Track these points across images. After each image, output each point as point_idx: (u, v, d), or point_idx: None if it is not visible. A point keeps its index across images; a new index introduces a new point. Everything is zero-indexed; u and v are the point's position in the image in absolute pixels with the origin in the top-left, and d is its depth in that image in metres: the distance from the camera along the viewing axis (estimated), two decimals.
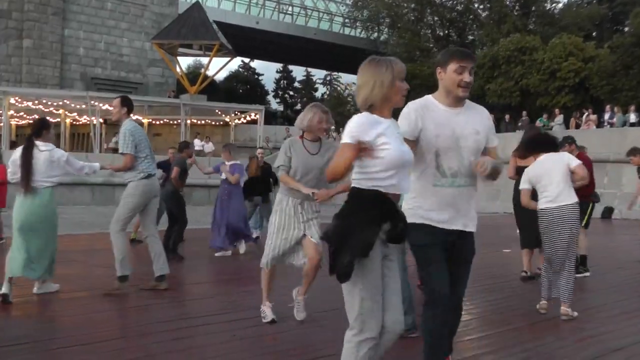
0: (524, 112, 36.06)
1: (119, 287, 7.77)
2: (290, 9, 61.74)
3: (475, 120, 4.16)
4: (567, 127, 31.81)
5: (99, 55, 46.45)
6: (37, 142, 7.54)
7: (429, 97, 4.17)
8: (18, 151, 7.65)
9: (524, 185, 7.21)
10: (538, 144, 7.29)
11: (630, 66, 38.22)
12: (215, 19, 46.64)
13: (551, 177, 6.92)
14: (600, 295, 8.75)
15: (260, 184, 13.43)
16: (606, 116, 32.35)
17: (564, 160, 7.05)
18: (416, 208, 4.10)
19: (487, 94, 43.63)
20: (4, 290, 7.26)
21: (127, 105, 8.06)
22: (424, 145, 4.06)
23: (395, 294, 3.68)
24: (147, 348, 5.58)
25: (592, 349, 5.85)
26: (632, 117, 30.52)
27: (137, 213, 8.03)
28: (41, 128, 7.68)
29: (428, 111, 4.08)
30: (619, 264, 10.77)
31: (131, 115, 8.12)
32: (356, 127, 3.53)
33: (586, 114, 32.91)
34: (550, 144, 7.23)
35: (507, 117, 36.88)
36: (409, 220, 3.82)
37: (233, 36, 47.29)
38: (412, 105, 4.14)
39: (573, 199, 6.92)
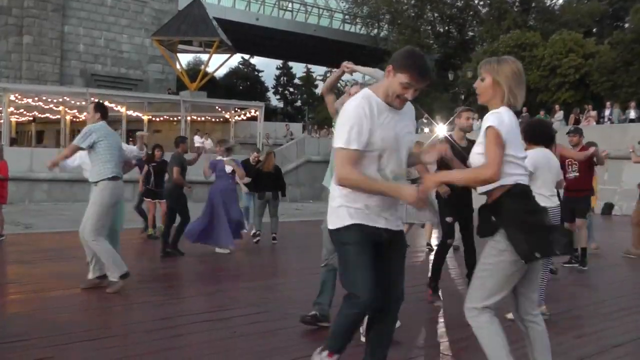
0: (524, 109, 36.01)
1: (122, 285, 7.77)
2: (290, 5, 61.72)
3: (408, 120, 4.05)
4: (567, 123, 31.80)
5: (99, 52, 46.51)
6: None
7: (371, 94, 3.91)
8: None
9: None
10: (537, 134, 6.95)
11: (631, 62, 38.24)
12: (215, 15, 46.66)
13: (547, 175, 6.74)
14: (599, 291, 8.73)
15: (273, 181, 13.32)
16: (606, 112, 32.39)
17: (555, 160, 6.95)
18: (352, 208, 3.91)
19: None
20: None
21: (101, 111, 8.15)
22: (368, 148, 3.85)
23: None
24: (148, 345, 5.57)
25: (591, 346, 5.86)
26: (632, 114, 30.56)
27: (105, 216, 7.90)
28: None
29: (375, 110, 3.86)
30: (618, 260, 10.79)
31: (105, 120, 8.17)
32: None
33: (586, 110, 32.95)
34: (548, 137, 7.00)
35: None
36: (343, 221, 3.88)
37: (233, 33, 47.25)
38: (359, 105, 3.86)
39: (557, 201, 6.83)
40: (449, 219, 7.62)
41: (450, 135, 7.73)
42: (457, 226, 7.71)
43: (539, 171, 6.58)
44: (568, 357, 5.48)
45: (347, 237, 3.88)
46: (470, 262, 7.58)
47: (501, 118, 3.76)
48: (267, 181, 13.17)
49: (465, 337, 6.15)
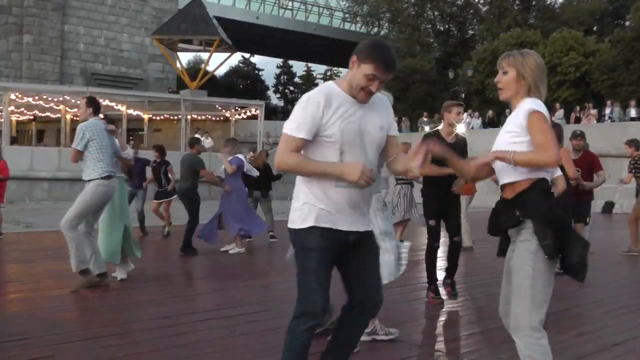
0: None
1: (82, 283, 7.82)
2: (290, 4, 61.79)
3: (379, 114, 3.78)
4: (568, 121, 31.83)
5: (99, 51, 46.61)
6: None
7: (333, 85, 3.69)
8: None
9: None
10: None
11: (631, 60, 38.31)
12: (215, 14, 46.71)
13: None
14: (599, 290, 8.73)
15: (261, 179, 13.28)
16: (607, 111, 32.42)
17: None
18: (317, 207, 3.66)
19: (487, 88, 43.73)
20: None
21: (93, 106, 8.16)
22: (326, 141, 3.62)
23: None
24: (149, 343, 5.59)
25: (591, 344, 5.87)
26: (633, 112, 30.61)
27: (90, 213, 7.94)
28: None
29: (333, 102, 3.61)
30: (618, 259, 10.76)
31: (99, 115, 8.23)
32: None
33: (587, 107, 33.00)
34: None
35: (507, 111, 36.84)
36: (306, 221, 3.64)
37: (233, 31, 47.31)
38: (315, 96, 3.64)
39: None
40: (432, 222, 7.52)
41: (436, 131, 7.71)
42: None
43: None
44: (568, 355, 5.46)
45: (309, 241, 3.65)
46: (452, 262, 7.61)
47: (541, 105, 3.64)
48: (254, 180, 13.02)
49: (466, 335, 6.27)
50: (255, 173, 12.53)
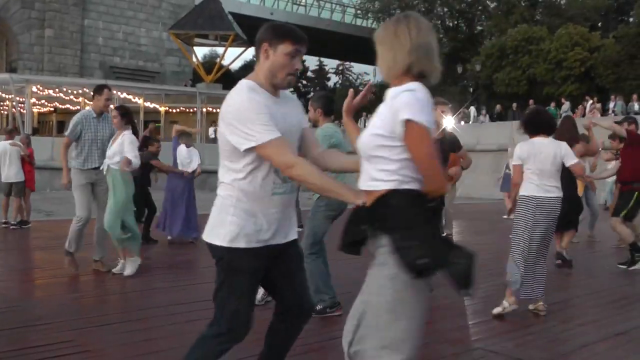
0: (531, 101, 36.81)
1: (67, 262, 8.09)
2: (303, 0, 62.43)
3: (295, 111, 3.48)
4: (573, 114, 32.47)
5: (118, 45, 47.37)
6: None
7: (255, 85, 3.30)
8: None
9: (516, 161, 6.61)
10: (533, 124, 6.66)
11: (635, 55, 38.89)
12: (231, 10, 47.27)
13: (543, 164, 6.38)
14: (601, 280, 8.63)
15: None
16: (611, 105, 33.09)
17: (561, 150, 6.49)
18: (249, 223, 3.28)
19: (495, 83, 44.53)
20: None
21: (95, 92, 8.29)
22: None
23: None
24: (165, 329, 5.67)
25: (594, 334, 5.84)
26: (636, 106, 31.27)
27: (83, 200, 8.04)
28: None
29: (267, 102, 3.28)
30: (622, 250, 10.11)
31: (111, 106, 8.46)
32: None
33: (590, 102, 33.57)
34: (546, 126, 6.62)
35: (514, 105, 37.59)
36: (235, 241, 3.26)
37: (248, 27, 47.57)
38: (252, 97, 3.25)
39: (560, 192, 6.46)
40: None
41: None
42: None
43: (527, 160, 6.44)
44: (571, 344, 5.52)
45: (239, 263, 3.30)
46: None
47: (420, 98, 2.84)
48: None
49: (472, 323, 6.48)
50: None
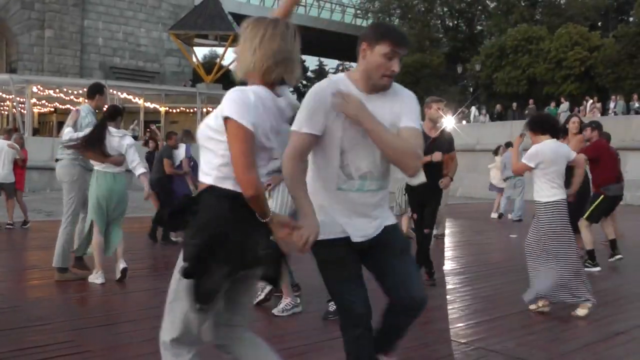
0: (531, 101, 36.84)
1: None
2: (303, 0, 62.43)
3: (390, 110, 3.35)
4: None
5: (118, 45, 47.28)
6: (110, 127, 7.56)
7: (342, 78, 3.41)
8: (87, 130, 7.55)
9: (529, 162, 6.61)
10: (538, 123, 6.73)
11: (635, 55, 38.85)
12: (231, 10, 47.43)
13: (560, 167, 6.54)
14: (604, 279, 8.66)
15: None
16: (611, 105, 33.08)
17: (566, 151, 6.69)
18: (319, 217, 3.18)
19: (495, 82, 44.55)
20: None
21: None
22: (327, 139, 3.30)
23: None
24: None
25: (595, 333, 5.92)
26: (637, 106, 31.28)
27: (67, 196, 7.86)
28: (115, 114, 7.71)
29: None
30: (622, 249, 10.13)
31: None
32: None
33: (590, 102, 33.59)
34: (551, 127, 6.69)
35: (514, 105, 37.62)
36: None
37: None
38: (321, 88, 3.37)
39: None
40: (415, 216, 7.75)
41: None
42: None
43: (539, 165, 6.52)
44: (573, 344, 5.55)
45: (320, 254, 3.35)
46: (422, 253, 7.65)
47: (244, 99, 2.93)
48: None
49: (473, 323, 6.66)
50: None
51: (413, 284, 3.41)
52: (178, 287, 3.02)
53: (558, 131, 6.80)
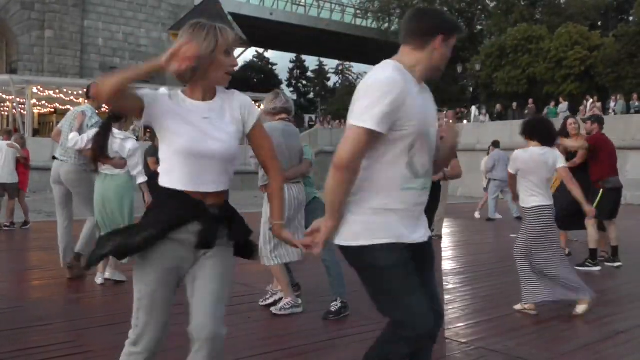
0: (530, 100, 36.86)
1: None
2: (303, 0, 62.51)
3: (432, 104, 3.21)
4: (575, 114, 32.46)
5: (118, 46, 47.27)
6: (114, 129, 7.41)
7: (397, 64, 3.04)
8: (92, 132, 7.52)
9: (509, 168, 6.71)
10: (528, 128, 6.67)
11: (635, 54, 38.96)
12: (230, 10, 47.51)
13: (540, 176, 6.45)
14: (605, 278, 8.66)
15: None
16: (611, 104, 33.09)
17: (551, 159, 6.53)
18: (380, 219, 3.02)
19: (495, 82, 44.62)
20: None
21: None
22: (396, 136, 2.97)
23: (207, 295, 3.11)
24: None
25: (597, 332, 5.91)
26: (637, 105, 31.24)
27: (55, 197, 7.93)
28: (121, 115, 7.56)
29: (405, 88, 2.94)
30: (623, 248, 10.01)
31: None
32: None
33: (591, 101, 33.60)
34: (541, 134, 6.59)
35: (514, 105, 37.63)
36: (371, 239, 2.99)
37: (248, 27, 48.01)
38: (390, 81, 2.92)
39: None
40: None
41: None
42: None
43: (518, 171, 6.55)
44: (573, 344, 5.54)
45: (381, 259, 3.01)
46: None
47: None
48: None
49: (473, 322, 6.71)
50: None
51: (439, 298, 3.30)
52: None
53: (550, 138, 6.65)
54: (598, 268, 9.15)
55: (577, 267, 9.15)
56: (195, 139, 2.97)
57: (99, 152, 7.20)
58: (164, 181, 3.03)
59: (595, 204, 9.32)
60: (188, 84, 3.10)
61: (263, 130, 3.24)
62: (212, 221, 3.01)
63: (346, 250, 3.06)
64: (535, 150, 6.48)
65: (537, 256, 6.43)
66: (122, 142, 7.39)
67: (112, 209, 7.37)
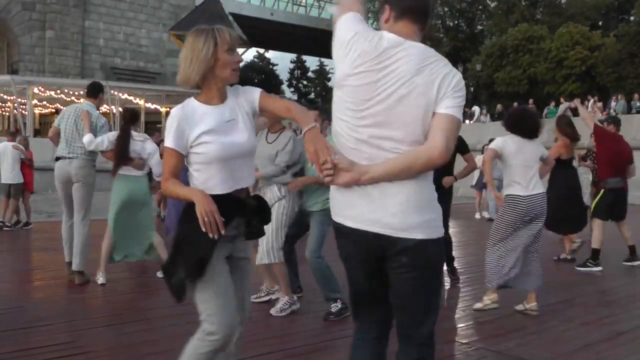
0: (531, 100, 36.83)
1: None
2: (303, 1, 62.49)
3: None
4: (573, 114, 32.45)
5: (118, 46, 47.26)
6: (133, 132, 7.54)
7: None
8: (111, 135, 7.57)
9: (493, 148, 6.68)
10: (509, 121, 6.83)
11: (636, 54, 38.96)
12: (231, 10, 47.44)
13: (527, 162, 6.46)
14: (606, 279, 8.66)
15: None
16: (612, 104, 33.06)
17: (539, 147, 6.65)
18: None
19: (495, 82, 44.61)
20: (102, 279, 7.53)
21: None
22: None
23: (236, 294, 3.29)
24: (167, 330, 5.67)
25: (597, 333, 5.90)
26: (638, 105, 31.27)
27: (61, 197, 7.81)
28: (135, 117, 7.80)
29: None
30: (624, 249, 9.88)
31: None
32: (170, 132, 3.15)
33: (592, 101, 33.57)
34: (521, 128, 6.62)
35: (515, 105, 37.42)
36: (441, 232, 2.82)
37: (248, 27, 48.01)
38: None
39: (542, 187, 6.53)
40: None
41: None
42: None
43: (502, 156, 6.53)
44: (574, 343, 5.54)
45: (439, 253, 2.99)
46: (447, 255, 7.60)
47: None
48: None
49: (474, 323, 6.73)
50: None
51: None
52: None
53: (531, 133, 6.59)
54: (599, 268, 9.13)
55: (578, 268, 9.24)
56: (225, 145, 3.09)
57: (121, 154, 7.34)
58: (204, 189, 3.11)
59: (594, 203, 9.60)
60: (202, 89, 3.21)
61: (268, 96, 3.29)
62: (253, 213, 3.22)
63: (437, 242, 2.78)
64: (518, 138, 6.52)
65: (510, 243, 6.43)
66: (142, 143, 7.52)
67: (135, 210, 7.48)
